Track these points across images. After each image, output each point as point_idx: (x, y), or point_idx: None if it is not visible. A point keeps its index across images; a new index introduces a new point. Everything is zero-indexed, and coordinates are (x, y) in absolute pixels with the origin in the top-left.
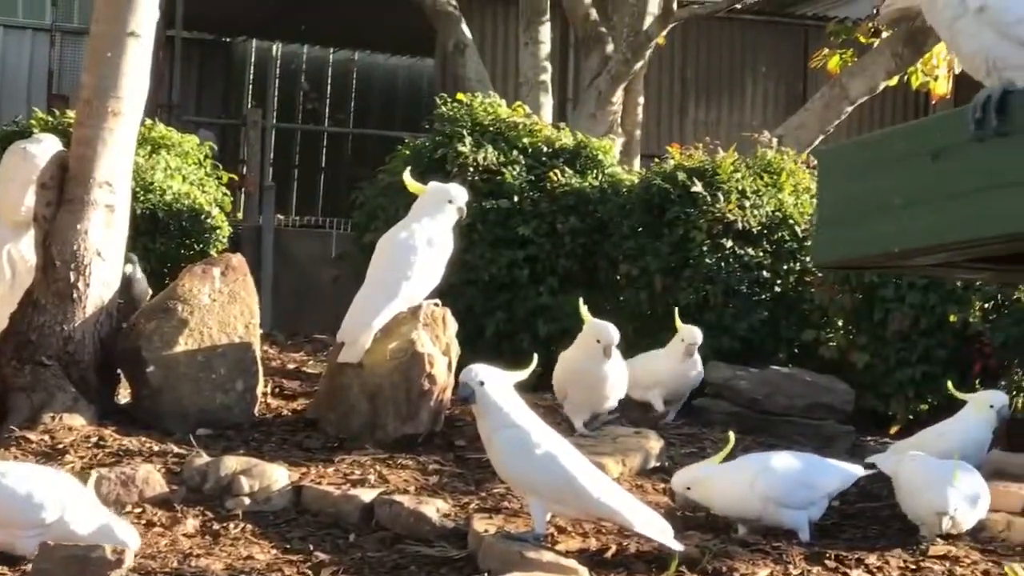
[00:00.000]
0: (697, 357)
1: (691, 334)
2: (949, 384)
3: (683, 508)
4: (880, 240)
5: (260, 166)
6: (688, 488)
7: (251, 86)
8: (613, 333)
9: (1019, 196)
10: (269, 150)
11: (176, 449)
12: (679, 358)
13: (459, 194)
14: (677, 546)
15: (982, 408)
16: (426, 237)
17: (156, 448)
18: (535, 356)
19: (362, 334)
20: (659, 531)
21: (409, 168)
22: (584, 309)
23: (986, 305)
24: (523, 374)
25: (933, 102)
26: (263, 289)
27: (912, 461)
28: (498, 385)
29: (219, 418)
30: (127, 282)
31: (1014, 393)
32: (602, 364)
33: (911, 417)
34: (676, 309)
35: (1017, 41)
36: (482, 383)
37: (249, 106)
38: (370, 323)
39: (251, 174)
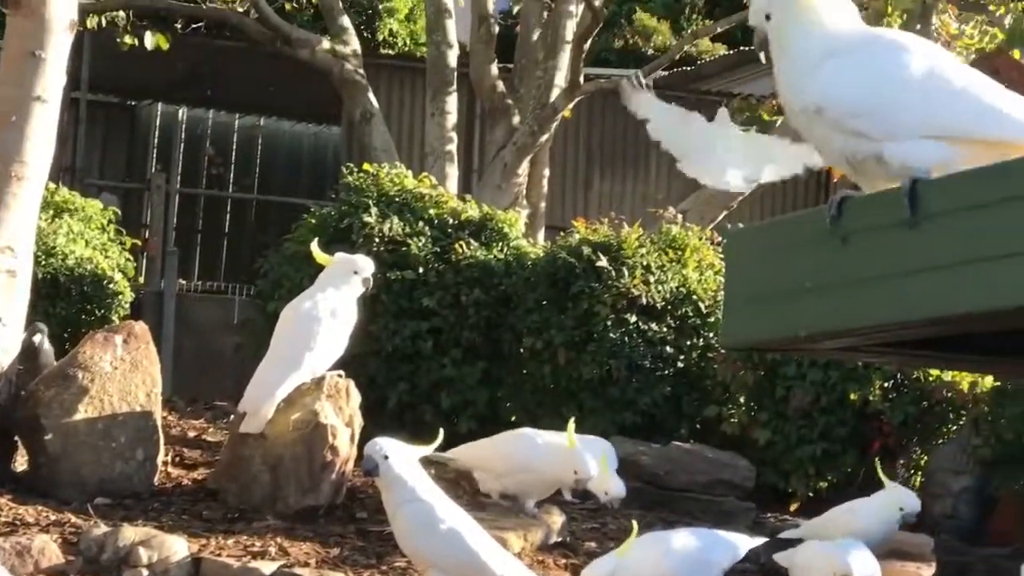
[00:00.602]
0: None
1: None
2: (877, 466)
3: None
4: (788, 323)
5: (163, 230)
6: None
7: (155, 150)
8: (593, 472)
9: (927, 282)
10: (172, 215)
11: (73, 519)
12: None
13: (365, 265)
14: None
15: (892, 505)
16: (330, 308)
17: (53, 517)
18: (440, 431)
19: (264, 404)
20: None
21: (316, 239)
22: (572, 428)
23: (886, 384)
24: (428, 449)
25: (834, 180)
26: (163, 354)
27: (806, 546)
28: (402, 459)
29: (118, 487)
30: (34, 351)
31: (912, 472)
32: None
33: (811, 494)
34: (572, 424)
35: (855, 133)
36: (386, 457)
37: (153, 170)
38: (273, 393)
39: (154, 238)
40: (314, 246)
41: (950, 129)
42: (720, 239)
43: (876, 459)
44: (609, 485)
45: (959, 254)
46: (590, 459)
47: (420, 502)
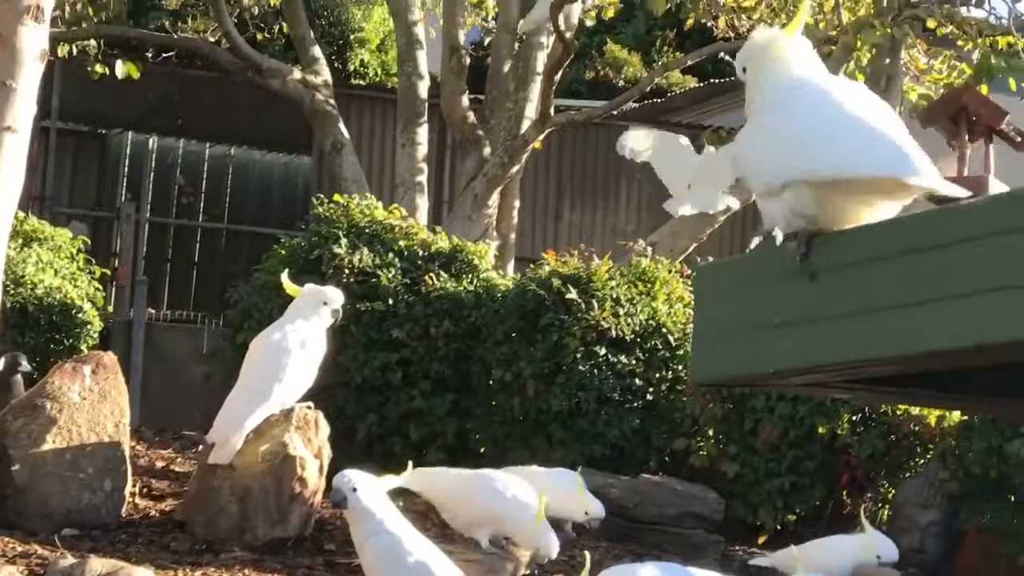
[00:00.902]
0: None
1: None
2: (861, 515)
3: None
4: (757, 360)
5: (133, 259)
6: None
7: (125, 179)
8: (553, 553)
9: (892, 320)
10: (142, 244)
11: (40, 550)
12: None
13: (335, 297)
14: None
15: (868, 551)
16: (300, 339)
17: (19, 549)
18: (409, 464)
19: (233, 435)
20: None
21: (286, 270)
22: (543, 504)
23: (854, 418)
24: (397, 481)
25: None
26: (132, 384)
27: None
28: (371, 491)
29: (86, 518)
30: (6, 382)
31: (880, 505)
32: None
33: (779, 527)
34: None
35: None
36: (355, 489)
37: (123, 199)
38: (242, 424)
39: (123, 267)
40: (284, 277)
41: (805, 173)
42: (689, 271)
43: (860, 505)
44: (589, 507)
45: (921, 293)
46: (553, 539)
47: (388, 534)
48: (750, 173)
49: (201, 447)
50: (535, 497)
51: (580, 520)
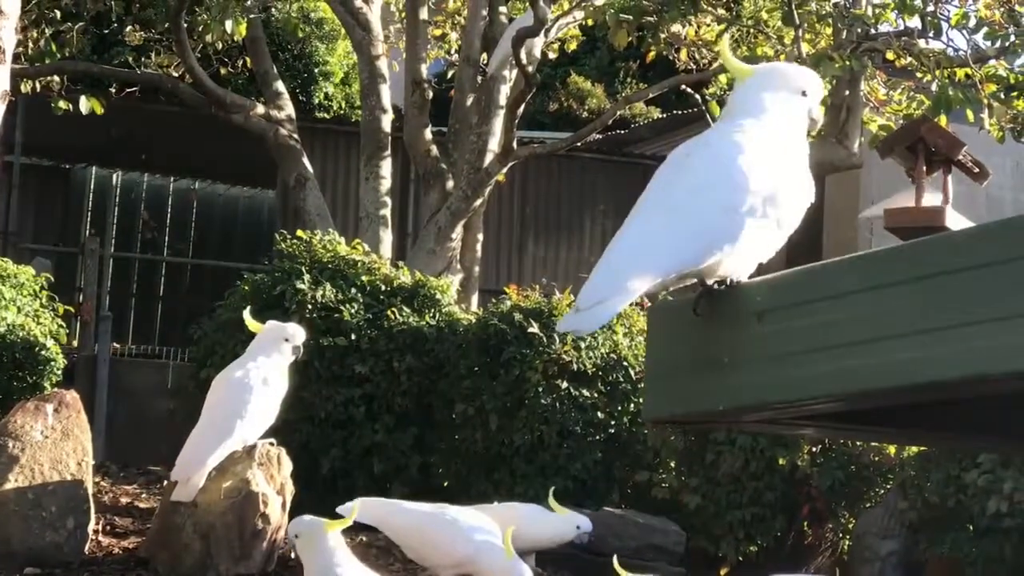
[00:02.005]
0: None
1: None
2: None
3: None
4: (706, 398)
5: (97, 295)
6: None
7: (90, 213)
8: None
9: (836, 358)
10: (107, 279)
11: None
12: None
13: (296, 333)
14: None
15: None
16: (262, 376)
17: None
18: (356, 506)
19: (196, 473)
20: None
21: (249, 306)
22: (509, 536)
23: (814, 449)
24: (345, 522)
25: None
26: (96, 419)
27: None
28: (320, 534)
29: (48, 556)
30: None
31: (840, 536)
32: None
33: (741, 558)
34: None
35: None
36: (296, 536)
37: (88, 234)
38: (204, 462)
39: (88, 303)
40: (246, 314)
41: None
42: (648, 304)
43: (821, 535)
44: (579, 521)
45: (866, 332)
46: (526, 570)
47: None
48: None
49: (165, 483)
50: (499, 533)
51: (572, 538)
